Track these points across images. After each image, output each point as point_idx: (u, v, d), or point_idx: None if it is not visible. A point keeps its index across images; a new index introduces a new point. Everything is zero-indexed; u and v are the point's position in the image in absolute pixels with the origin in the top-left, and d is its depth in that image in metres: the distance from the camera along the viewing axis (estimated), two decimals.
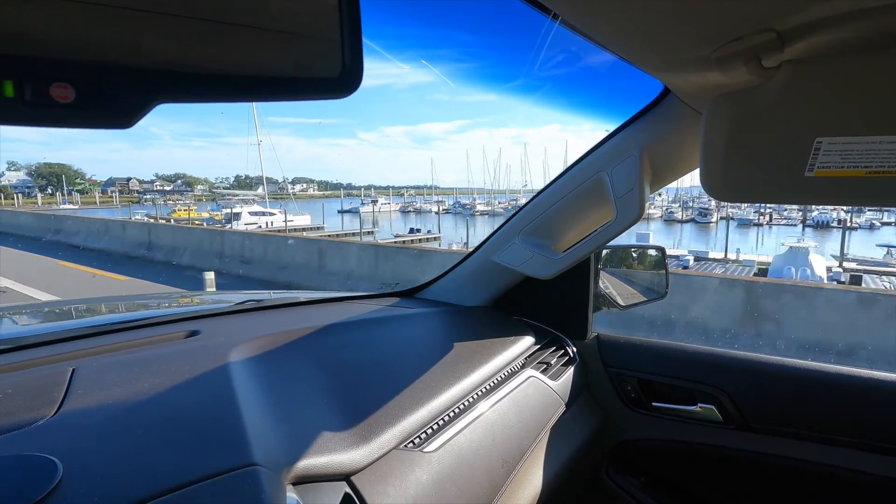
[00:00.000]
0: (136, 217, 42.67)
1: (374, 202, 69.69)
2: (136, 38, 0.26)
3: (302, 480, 0.58)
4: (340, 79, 0.34)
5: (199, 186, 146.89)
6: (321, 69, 0.34)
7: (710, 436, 1.20)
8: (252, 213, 39.64)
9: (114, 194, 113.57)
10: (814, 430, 1.07)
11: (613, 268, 1.39)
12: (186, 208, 53.62)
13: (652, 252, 1.45)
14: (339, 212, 66.52)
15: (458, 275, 1.40)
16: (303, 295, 1.35)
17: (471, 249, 1.37)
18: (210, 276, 8.37)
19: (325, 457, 0.62)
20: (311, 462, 0.60)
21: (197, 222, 42.41)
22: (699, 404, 1.19)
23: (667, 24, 0.54)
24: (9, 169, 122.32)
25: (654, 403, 1.25)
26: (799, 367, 1.11)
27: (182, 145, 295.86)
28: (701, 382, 1.17)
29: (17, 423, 0.58)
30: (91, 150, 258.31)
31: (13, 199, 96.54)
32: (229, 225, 35.92)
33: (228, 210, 42.71)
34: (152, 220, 36.32)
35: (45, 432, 0.56)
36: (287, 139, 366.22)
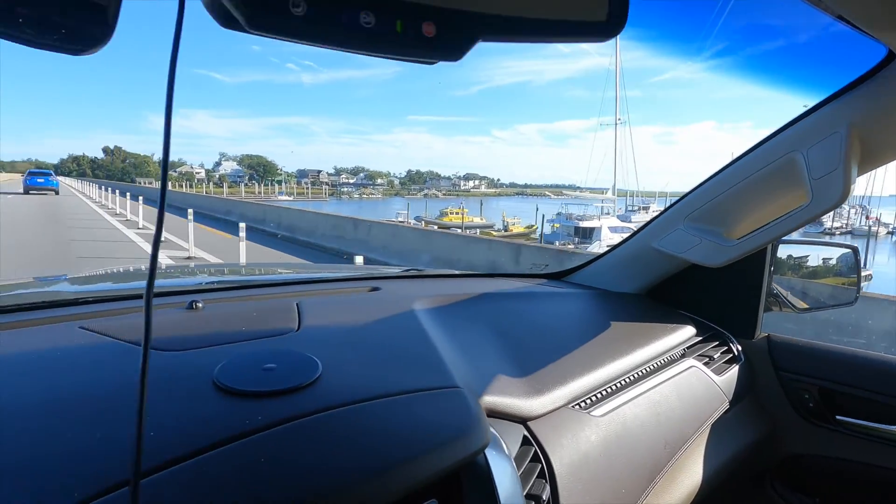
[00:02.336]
0: (398, 219, 33.24)
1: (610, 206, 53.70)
2: None
3: (488, 414, 0.64)
4: (606, 23, 0.35)
5: (379, 180, 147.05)
6: (588, 12, 0.35)
7: None
8: (612, 230, 26.47)
9: (323, 187, 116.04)
10: None
11: (792, 264, 1.27)
12: (459, 211, 43.90)
13: (841, 251, 1.28)
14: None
15: (611, 260, 1.36)
16: (457, 271, 1.41)
17: (627, 235, 1.34)
18: None
19: (507, 399, 0.68)
20: (496, 400, 0.67)
21: (491, 233, 31.16)
22: None
23: None
24: (222, 160, 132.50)
25: (838, 417, 1.12)
26: None
27: (335, 141, 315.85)
28: None
29: (274, 332, 0.74)
30: (261, 145, 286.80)
31: (236, 187, 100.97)
32: (581, 246, 23.25)
33: (574, 218, 29.62)
34: (424, 225, 25.82)
35: (296, 341, 0.72)
36: (424, 136, 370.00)
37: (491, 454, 0.57)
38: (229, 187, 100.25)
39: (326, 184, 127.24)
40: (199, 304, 0.82)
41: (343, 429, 0.52)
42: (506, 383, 0.72)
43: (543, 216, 28.22)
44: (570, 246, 23.77)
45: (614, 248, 1.36)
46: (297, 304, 0.87)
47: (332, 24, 0.27)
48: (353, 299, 1.02)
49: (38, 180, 28.16)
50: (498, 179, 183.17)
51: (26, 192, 27.81)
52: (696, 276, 1.23)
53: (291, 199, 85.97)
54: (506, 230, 35.83)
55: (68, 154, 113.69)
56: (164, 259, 7.96)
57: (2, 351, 0.64)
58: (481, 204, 48.85)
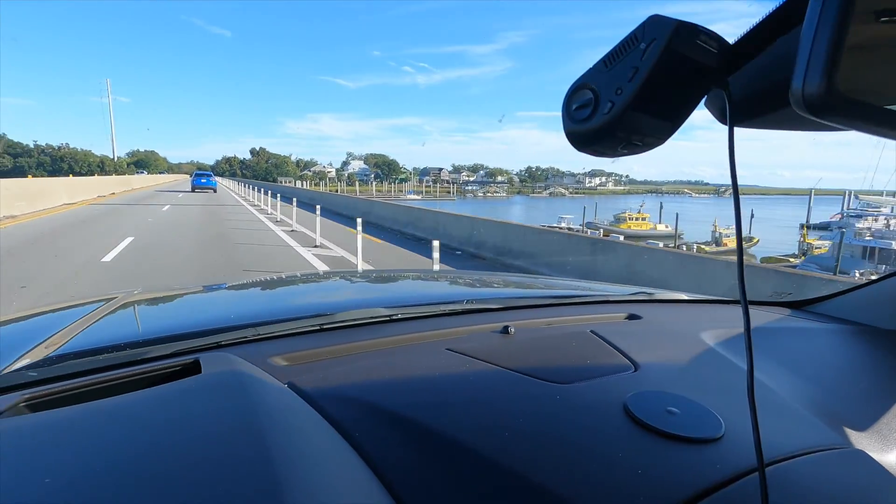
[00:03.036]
0: (562, 225, 27.06)
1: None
2: None
3: None
4: None
5: (500, 177, 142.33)
6: None
7: None
8: None
9: (450, 185, 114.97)
10: None
11: None
12: (639, 216, 37.06)
13: None
14: (806, 226, 39.75)
15: (879, 292, 1.18)
16: (685, 294, 1.32)
17: None
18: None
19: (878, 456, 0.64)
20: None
21: (703, 248, 23.72)
22: None
23: None
24: (350, 159, 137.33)
25: None
26: None
27: (446, 139, 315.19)
28: None
29: (613, 368, 0.69)
30: (380, 145, 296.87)
31: (365, 186, 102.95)
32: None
33: (873, 234, 19.57)
34: (603, 234, 19.00)
35: (646, 382, 0.66)
36: (533, 133, 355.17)
37: None
38: (356, 185, 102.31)
39: (447, 181, 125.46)
40: (512, 330, 0.83)
41: (776, 489, 0.49)
42: (857, 438, 0.66)
43: (843, 232, 19.96)
44: (873, 276, 15.81)
45: (882, 279, 1.20)
46: (592, 332, 0.84)
47: None
48: (635, 330, 0.92)
49: (202, 180, 31.59)
50: (627, 176, 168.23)
51: (193, 190, 30.81)
52: None
53: (420, 198, 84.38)
54: (717, 244, 28.15)
55: (222, 156, 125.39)
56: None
57: (412, 372, 0.66)
58: (661, 206, 40.82)
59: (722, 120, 0.36)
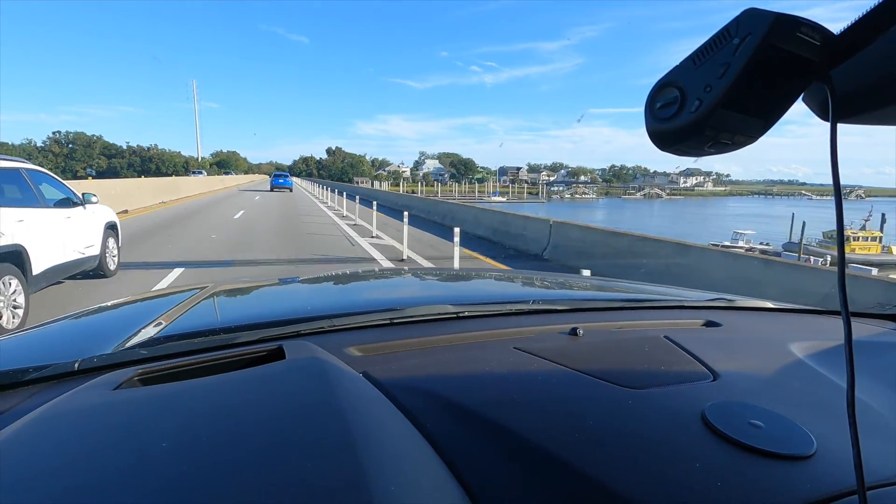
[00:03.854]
0: (739, 244, 18.26)
1: None
2: None
3: None
4: None
5: (582, 177, 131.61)
6: None
7: None
8: None
9: (541, 187, 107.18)
10: None
11: None
12: (867, 234, 27.76)
13: None
14: None
15: None
16: (769, 301, 1.20)
17: None
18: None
19: None
20: None
21: None
22: None
23: None
24: (423, 158, 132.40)
25: None
26: None
27: (513, 138, 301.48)
28: None
29: (685, 376, 0.65)
30: (446, 144, 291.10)
31: (446, 186, 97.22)
32: None
33: None
34: (823, 265, 9.86)
35: (727, 392, 0.62)
36: (605, 130, 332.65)
37: None
38: (435, 185, 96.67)
39: (525, 181, 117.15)
40: (580, 332, 0.81)
41: None
42: None
43: None
44: None
45: None
46: (665, 338, 0.80)
47: None
48: (714, 338, 0.85)
49: (280, 181, 32.81)
50: (728, 175, 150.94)
51: (272, 189, 31.63)
52: None
53: (506, 200, 76.99)
54: None
55: (299, 156, 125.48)
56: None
57: (482, 368, 0.66)
58: (883, 218, 30.62)
59: (823, 116, 0.34)
